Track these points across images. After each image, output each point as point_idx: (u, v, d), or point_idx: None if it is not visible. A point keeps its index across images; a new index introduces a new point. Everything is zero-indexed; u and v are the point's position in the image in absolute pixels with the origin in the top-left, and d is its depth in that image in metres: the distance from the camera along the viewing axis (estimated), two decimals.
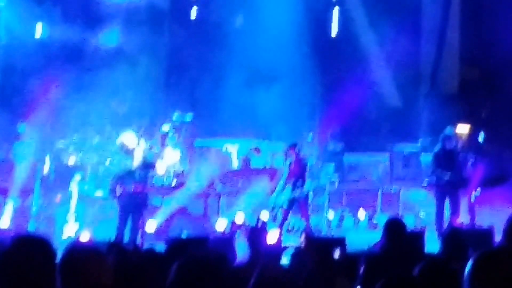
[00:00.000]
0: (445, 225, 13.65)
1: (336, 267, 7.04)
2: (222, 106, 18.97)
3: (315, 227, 15.15)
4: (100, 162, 16.85)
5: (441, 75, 21.17)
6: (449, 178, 14.16)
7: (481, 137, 16.46)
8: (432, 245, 9.38)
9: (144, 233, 14.03)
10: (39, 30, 18.73)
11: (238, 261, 7.73)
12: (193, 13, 20.47)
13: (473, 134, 18.95)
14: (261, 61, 19.08)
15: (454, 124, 17.48)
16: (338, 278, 6.76)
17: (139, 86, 18.76)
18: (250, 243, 7.93)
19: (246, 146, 18.62)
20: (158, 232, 14.43)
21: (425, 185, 15.30)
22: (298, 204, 14.54)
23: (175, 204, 15.43)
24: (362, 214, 17.06)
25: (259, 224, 14.50)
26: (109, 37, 19.04)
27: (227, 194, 16.59)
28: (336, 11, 21.05)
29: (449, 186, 14.25)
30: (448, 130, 15.00)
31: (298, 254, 7.05)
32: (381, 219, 15.90)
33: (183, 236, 13.16)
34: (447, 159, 14.35)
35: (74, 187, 14.84)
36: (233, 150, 18.57)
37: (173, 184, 16.74)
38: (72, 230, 14.42)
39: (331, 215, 16.68)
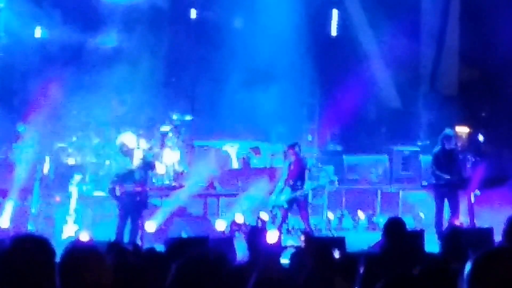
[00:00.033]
0: (445, 225, 13.65)
1: (336, 267, 7.03)
2: (222, 106, 18.97)
3: (314, 227, 15.15)
4: (100, 163, 16.86)
5: (441, 76, 21.17)
6: (448, 178, 14.15)
7: (480, 138, 16.47)
8: (432, 245, 9.38)
9: (143, 233, 14.03)
10: (38, 30, 18.73)
11: (238, 261, 7.73)
12: (193, 13, 20.47)
13: (472, 135, 18.97)
14: (260, 61, 19.09)
15: (453, 125, 17.48)
16: (338, 278, 6.74)
17: (138, 86, 18.75)
18: (250, 243, 7.92)
19: (246, 147, 18.63)
20: (158, 232, 14.43)
21: (425, 185, 15.30)
22: (297, 205, 14.54)
23: (174, 204, 15.42)
24: (361, 214, 17.06)
25: (259, 224, 14.51)
26: (108, 38, 19.03)
27: (227, 194, 16.59)
28: (335, 12, 21.05)
29: (448, 187, 14.25)
30: (447, 130, 14.99)
31: (297, 254, 7.05)
32: (381, 220, 15.91)
33: (183, 235, 13.17)
34: (447, 160, 14.35)
35: (73, 188, 14.84)
36: (232, 151, 18.58)
37: (173, 184, 16.75)
38: (71, 230, 14.41)
39: (330, 215, 16.68)
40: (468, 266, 2.91)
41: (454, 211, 14.15)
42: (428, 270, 5.09)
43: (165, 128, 17.89)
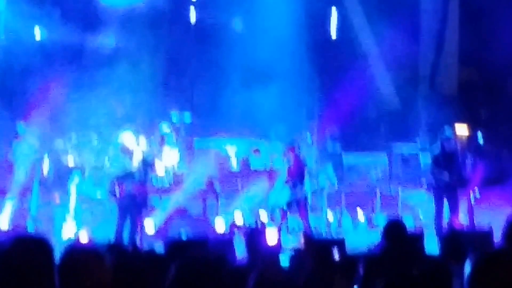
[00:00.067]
0: (444, 226, 13.64)
1: (335, 268, 7.04)
2: (221, 106, 18.98)
3: (314, 228, 15.14)
4: (99, 163, 16.85)
5: (440, 76, 21.18)
6: (448, 179, 14.15)
7: (480, 138, 16.47)
8: (431, 246, 9.37)
9: (143, 233, 14.02)
10: (38, 31, 18.73)
11: (237, 261, 7.73)
12: (192, 14, 20.46)
13: (472, 135, 18.96)
14: (260, 61, 19.09)
15: (452, 125, 17.48)
16: (337, 279, 6.75)
17: (138, 86, 18.76)
18: (249, 244, 7.92)
19: (245, 147, 18.62)
20: (158, 232, 14.42)
21: (424, 186, 15.29)
22: (297, 205, 14.54)
23: (174, 205, 15.42)
24: (361, 215, 17.05)
25: (258, 225, 14.50)
26: (108, 38, 19.03)
27: (226, 194, 16.58)
28: (334, 12, 21.05)
29: (448, 187, 14.23)
30: (447, 131, 14.99)
31: (297, 255, 7.05)
32: (380, 220, 15.91)
33: (183, 236, 13.15)
34: (446, 160, 14.33)
35: (73, 188, 14.83)
36: (232, 151, 18.57)
37: (172, 185, 16.74)
38: (71, 231, 14.40)
39: (330, 216, 16.67)
40: (468, 268, 2.91)
41: (454, 211, 14.14)
42: (428, 271, 5.09)
43: (165, 128, 17.89)
